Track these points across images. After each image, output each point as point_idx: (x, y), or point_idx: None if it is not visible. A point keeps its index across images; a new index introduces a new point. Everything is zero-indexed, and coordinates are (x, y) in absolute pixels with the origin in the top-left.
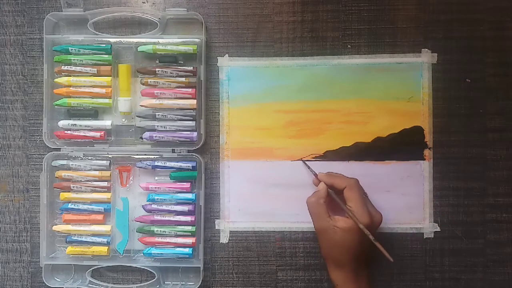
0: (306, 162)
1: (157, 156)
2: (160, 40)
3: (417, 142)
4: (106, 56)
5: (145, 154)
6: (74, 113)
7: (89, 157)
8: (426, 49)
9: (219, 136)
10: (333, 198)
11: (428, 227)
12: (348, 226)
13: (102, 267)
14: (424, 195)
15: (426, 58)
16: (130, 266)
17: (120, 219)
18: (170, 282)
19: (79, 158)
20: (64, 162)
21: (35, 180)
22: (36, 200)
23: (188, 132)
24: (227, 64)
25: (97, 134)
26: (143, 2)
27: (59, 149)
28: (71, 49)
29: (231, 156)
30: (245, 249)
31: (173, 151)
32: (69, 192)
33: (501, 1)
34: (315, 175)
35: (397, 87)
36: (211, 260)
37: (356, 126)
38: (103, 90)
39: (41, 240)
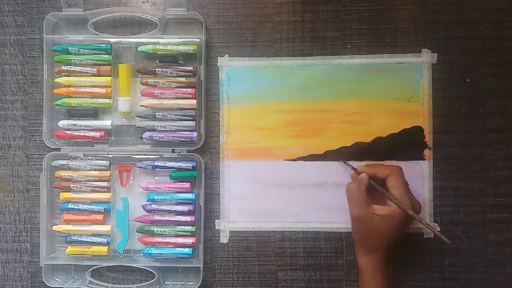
0: (343, 161)
1: (157, 156)
2: (160, 40)
3: (417, 142)
4: (106, 56)
5: (145, 154)
6: (74, 113)
7: (89, 157)
8: (426, 49)
9: (219, 136)
10: (376, 187)
11: None
12: (388, 213)
13: (102, 267)
14: (424, 195)
15: (426, 58)
16: (130, 266)
17: (120, 219)
18: (170, 282)
19: (79, 158)
20: (64, 162)
21: (35, 180)
22: (36, 200)
23: (188, 132)
24: (227, 64)
25: (97, 134)
26: (143, 2)
27: (59, 149)
28: (71, 49)
29: (231, 156)
30: (245, 249)
31: (173, 151)
32: (69, 192)
33: (501, 1)
34: (354, 169)
35: (397, 87)
36: (211, 260)
37: (356, 126)
38: (103, 90)
39: (41, 240)
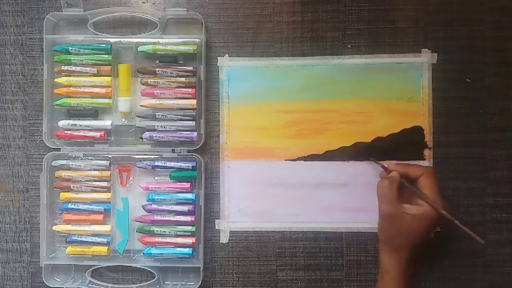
0: (373, 159)
1: (157, 156)
2: (160, 40)
3: (417, 142)
4: (106, 56)
5: (145, 154)
6: (74, 113)
7: (89, 157)
8: (426, 49)
9: (219, 136)
10: (407, 186)
11: None
12: (420, 213)
13: (102, 267)
14: None
15: (426, 58)
16: (130, 266)
17: (120, 219)
18: (170, 282)
19: (79, 158)
20: (64, 162)
21: (35, 180)
22: (36, 200)
23: (188, 132)
24: (227, 64)
25: (97, 134)
26: (143, 2)
27: (59, 149)
28: (71, 49)
29: (231, 156)
30: (245, 249)
31: (173, 151)
32: (69, 192)
33: (501, 1)
34: (384, 167)
35: (397, 87)
36: (211, 260)
37: (356, 126)
38: (103, 90)
39: (41, 240)
